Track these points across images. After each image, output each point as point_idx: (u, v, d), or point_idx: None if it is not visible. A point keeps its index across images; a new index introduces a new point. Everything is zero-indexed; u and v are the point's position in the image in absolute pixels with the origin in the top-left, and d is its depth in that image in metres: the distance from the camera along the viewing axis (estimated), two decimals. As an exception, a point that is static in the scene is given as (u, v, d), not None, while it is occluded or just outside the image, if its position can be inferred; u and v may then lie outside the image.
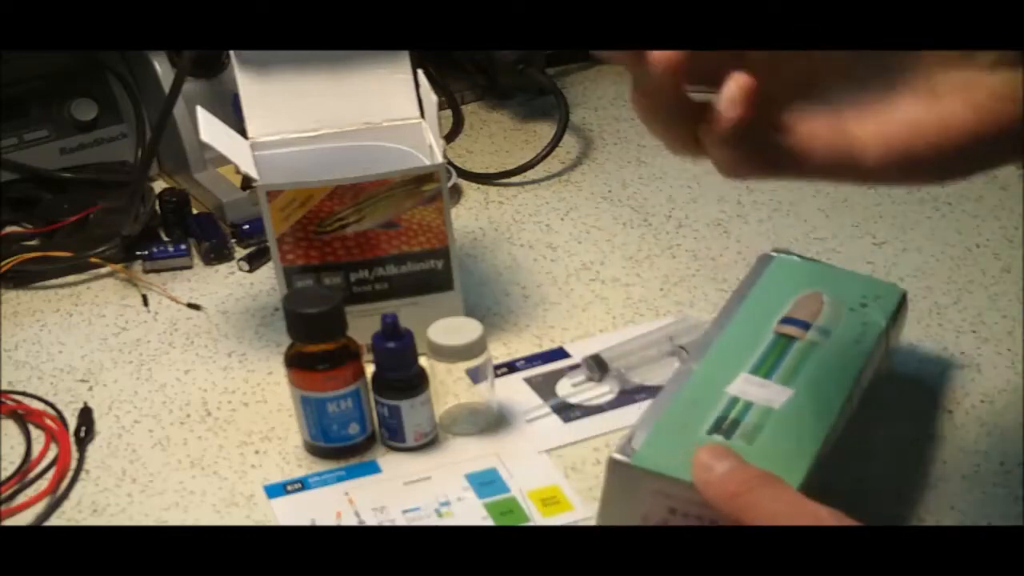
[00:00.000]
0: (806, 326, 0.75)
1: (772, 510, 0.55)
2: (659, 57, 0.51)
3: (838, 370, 0.72)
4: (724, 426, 0.66)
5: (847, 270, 0.85)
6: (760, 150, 0.53)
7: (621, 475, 0.63)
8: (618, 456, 0.63)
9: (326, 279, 0.84)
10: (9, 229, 1.06)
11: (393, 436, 0.79)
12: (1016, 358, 0.86)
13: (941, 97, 0.52)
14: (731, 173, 0.54)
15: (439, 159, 0.83)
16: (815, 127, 0.53)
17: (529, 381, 0.86)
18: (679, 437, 0.65)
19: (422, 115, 0.89)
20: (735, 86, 0.51)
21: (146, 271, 1.01)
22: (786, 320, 0.75)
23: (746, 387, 0.69)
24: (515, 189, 1.12)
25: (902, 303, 0.80)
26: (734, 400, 0.68)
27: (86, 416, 0.84)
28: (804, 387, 0.70)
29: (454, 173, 1.12)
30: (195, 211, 1.07)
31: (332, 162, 0.85)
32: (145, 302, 0.97)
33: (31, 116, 1.10)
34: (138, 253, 1.01)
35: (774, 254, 0.82)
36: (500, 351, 0.89)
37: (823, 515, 0.54)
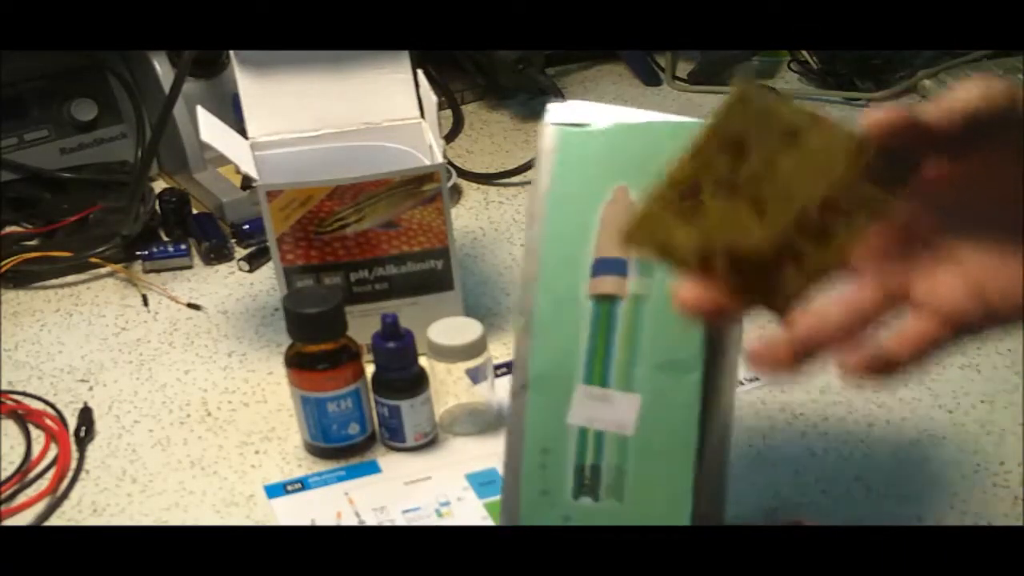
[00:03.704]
0: (622, 268, 0.59)
1: None
2: None
3: (681, 332, 0.58)
4: (586, 482, 0.59)
5: (644, 121, 0.62)
6: None
7: None
8: None
9: (326, 279, 0.84)
10: (9, 229, 1.06)
11: (393, 436, 0.79)
12: (1016, 358, 0.86)
13: None
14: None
15: (439, 159, 0.83)
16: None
17: (529, 381, 0.86)
18: (549, 517, 0.59)
19: (422, 115, 0.89)
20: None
21: (146, 271, 1.01)
22: (598, 265, 0.60)
23: (588, 409, 0.59)
24: (515, 189, 1.12)
25: None
26: (583, 436, 0.59)
27: (86, 416, 0.84)
28: (649, 384, 0.59)
29: (454, 173, 1.12)
30: (195, 211, 1.07)
31: (332, 162, 0.85)
32: (145, 302, 0.97)
33: (31, 116, 1.10)
34: (138, 253, 1.01)
35: (552, 125, 0.63)
36: (500, 351, 0.89)
37: None
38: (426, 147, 0.86)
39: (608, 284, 0.59)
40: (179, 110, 1.06)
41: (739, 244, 0.47)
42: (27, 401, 0.86)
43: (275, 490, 0.77)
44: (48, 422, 0.83)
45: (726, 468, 0.63)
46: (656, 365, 0.58)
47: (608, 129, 0.61)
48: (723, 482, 0.63)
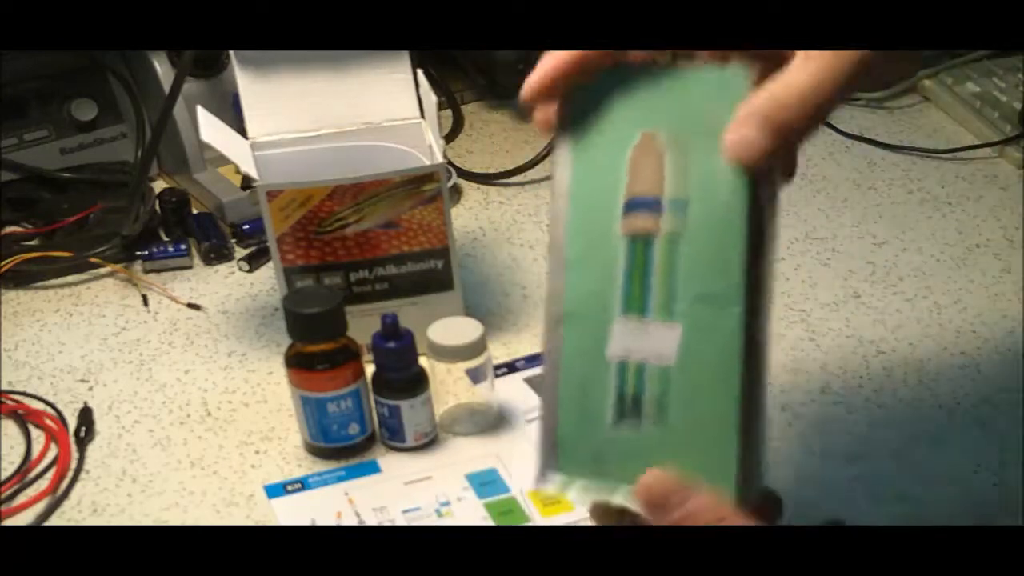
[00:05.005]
0: (656, 205, 0.58)
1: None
2: None
3: (718, 268, 0.58)
4: (627, 411, 0.58)
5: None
6: None
7: None
8: (540, 487, 0.57)
9: (326, 279, 0.84)
10: (9, 229, 1.06)
11: (393, 436, 0.79)
12: (1016, 358, 0.86)
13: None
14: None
15: (439, 159, 0.83)
16: None
17: (529, 381, 0.86)
18: (590, 444, 0.58)
19: (422, 115, 0.89)
20: None
21: (146, 271, 1.01)
22: (630, 205, 0.59)
23: (627, 342, 0.58)
24: (515, 189, 1.12)
25: None
26: (622, 368, 0.58)
27: (86, 416, 0.84)
28: (689, 315, 0.58)
29: (454, 173, 1.12)
30: (195, 211, 1.07)
31: (332, 162, 0.85)
32: (145, 302, 0.97)
33: (31, 116, 1.10)
34: (138, 253, 1.01)
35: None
36: (500, 351, 0.89)
37: None
38: (426, 147, 0.86)
39: (641, 221, 0.58)
40: (179, 110, 1.06)
41: None
42: (27, 401, 0.86)
43: (275, 490, 0.77)
44: (48, 422, 0.83)
45: (765, 399, 0.60)
46: (695, 297, 0.58)
47: (630, 80, 0.61)
48: (764, 414, 0.60)
